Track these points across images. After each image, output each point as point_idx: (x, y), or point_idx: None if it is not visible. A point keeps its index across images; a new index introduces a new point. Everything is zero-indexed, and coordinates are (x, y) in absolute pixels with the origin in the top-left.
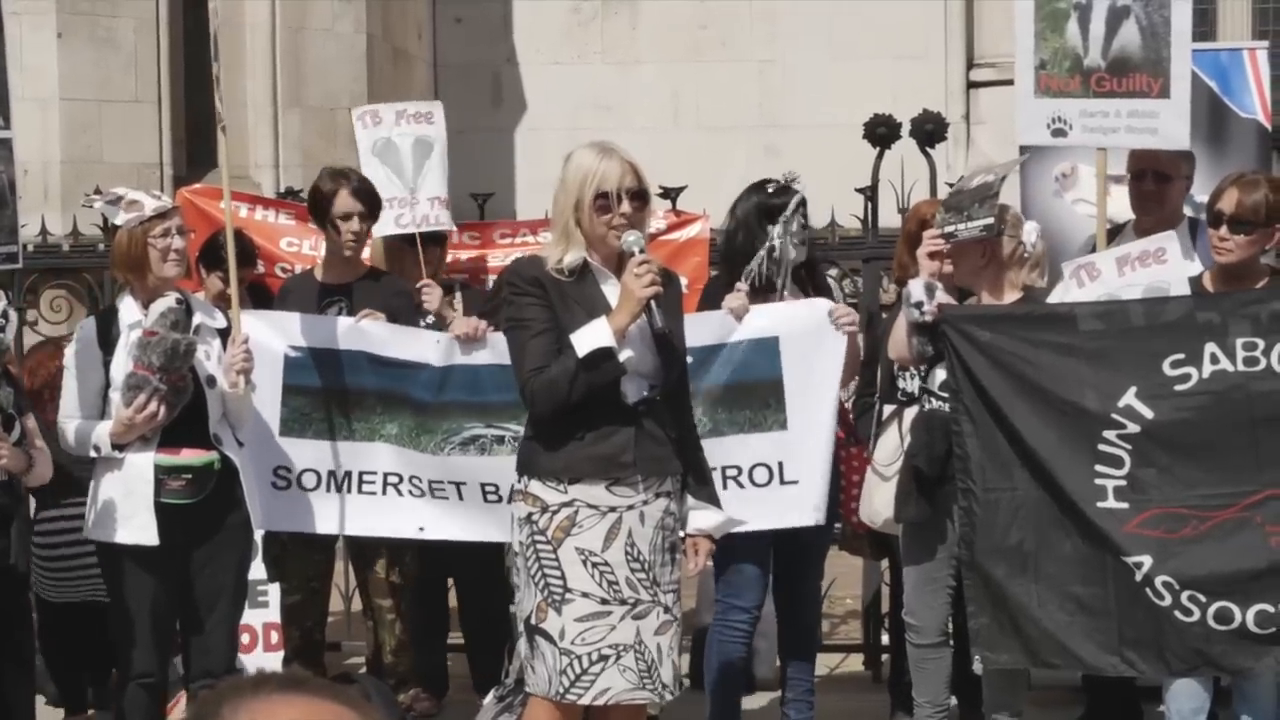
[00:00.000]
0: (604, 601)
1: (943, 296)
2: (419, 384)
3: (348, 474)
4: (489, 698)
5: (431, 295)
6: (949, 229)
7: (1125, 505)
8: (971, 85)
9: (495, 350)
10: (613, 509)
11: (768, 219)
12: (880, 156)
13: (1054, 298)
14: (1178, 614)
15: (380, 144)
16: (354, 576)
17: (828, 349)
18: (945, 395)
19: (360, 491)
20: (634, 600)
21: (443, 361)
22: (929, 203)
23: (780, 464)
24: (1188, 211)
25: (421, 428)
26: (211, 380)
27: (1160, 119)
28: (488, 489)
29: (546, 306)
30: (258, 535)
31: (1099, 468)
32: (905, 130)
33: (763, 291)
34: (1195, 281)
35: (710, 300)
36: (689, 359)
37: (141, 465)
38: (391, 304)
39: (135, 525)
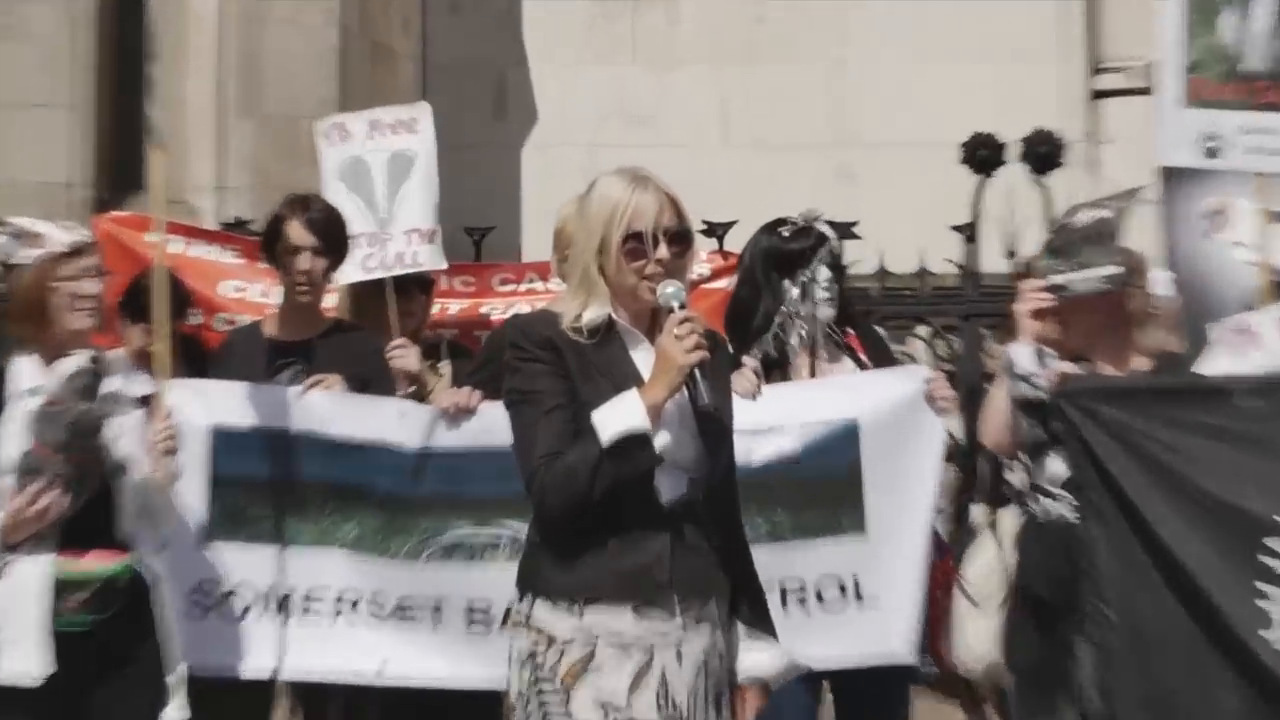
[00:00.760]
0: None
1: (1059, 364)
2: (388, 471)
3: (288, 594)
4: None
5: (407, 356)
6: (1057, 279)
7: None
8: (1096, 95)
9: (490, 427)
10: (641, 643)
11: (782, 270)
12: (982, 185)
13: (1202, 368)
14: None
15: (348, 165)
16: None
17: (922, 431)
18: (1062, 493)
19: (306, 615)
20: None
21: (420, 442)
22: None
23: (856, 579)
24: None
25: (391, 527)
26: (128, 463)
27: None
28: (475, 610)
29: (562, 376)
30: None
31: (1259, 584)
32: (1013, 152)
33: (779, 366)
34: None
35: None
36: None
37: (33, 575)
38: (362, 368)
39: (16, 655)
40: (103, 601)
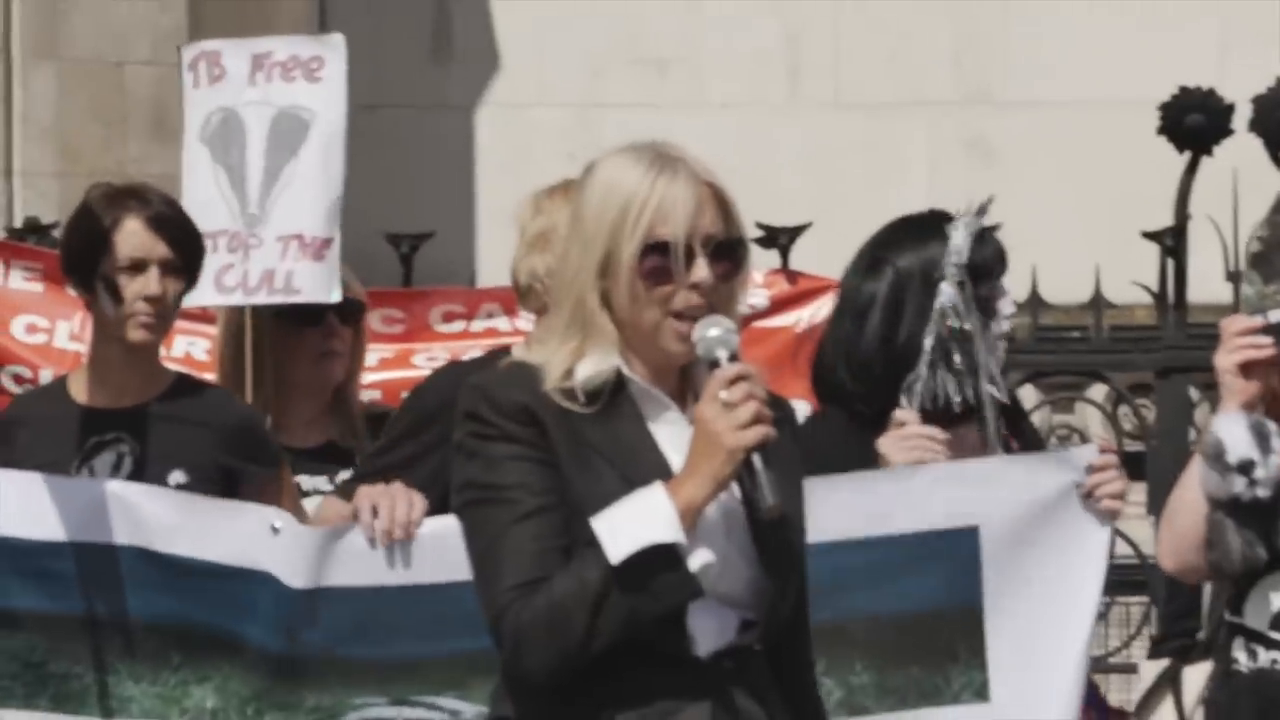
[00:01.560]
0: None
1: None
2: (264, 616)
3: None
4: None
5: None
6: (1276, 314)
7: None
8: None
9: (426, 551)
10: None
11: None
12: (1193, 168)
13: None
14: None
15: (217, 121)
16: None
17: (1077, 546)
18: None
19: None
20: None
21: (313, 573)
22: None
23: None
24: None
25: (266, 700)
26: None
27: None
28: None
29: (544, 463)
30: None
31: None
32: (1241, 118)
33: (939, 418)
34: None
35: (828, 450)
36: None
37: None
38: (221, 451)
39: None
40: None
